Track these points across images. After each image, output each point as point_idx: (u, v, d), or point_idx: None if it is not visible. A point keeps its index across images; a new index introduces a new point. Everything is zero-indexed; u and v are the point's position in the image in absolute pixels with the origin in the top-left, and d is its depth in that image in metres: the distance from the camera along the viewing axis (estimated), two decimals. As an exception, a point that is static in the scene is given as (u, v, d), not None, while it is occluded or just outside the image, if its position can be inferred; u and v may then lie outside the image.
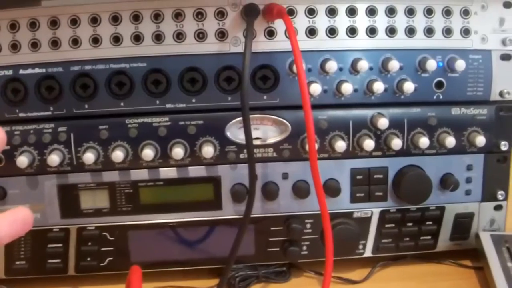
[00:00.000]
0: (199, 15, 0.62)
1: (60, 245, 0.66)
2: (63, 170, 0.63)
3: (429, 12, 0.65)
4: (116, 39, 0.61)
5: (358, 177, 0.67)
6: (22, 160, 0.61)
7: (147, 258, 0.67)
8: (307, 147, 0.62)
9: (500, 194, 0.69)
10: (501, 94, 0.67)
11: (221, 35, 0.62)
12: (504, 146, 0.68)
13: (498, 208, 0.70)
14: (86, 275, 0.67)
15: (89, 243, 0.66)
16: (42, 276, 0.66)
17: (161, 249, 0.67)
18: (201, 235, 0.67)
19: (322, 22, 0.63)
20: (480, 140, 0.66)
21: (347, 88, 0.63)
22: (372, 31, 0.64)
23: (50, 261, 0.66)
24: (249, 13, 0.61)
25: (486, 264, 0.64)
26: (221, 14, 0.62)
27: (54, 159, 0.61)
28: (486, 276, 0.64)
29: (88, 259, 0.66)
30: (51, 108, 0.62)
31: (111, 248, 0.66)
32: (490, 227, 0.70)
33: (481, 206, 0.70)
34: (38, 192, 0.64)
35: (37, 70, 0.61)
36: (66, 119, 0.62)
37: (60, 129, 0.62)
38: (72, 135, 0.62)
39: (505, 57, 0.67)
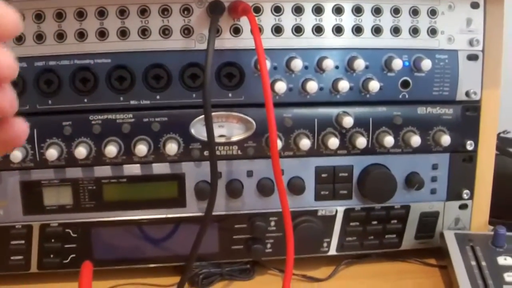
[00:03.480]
0: (165, 11, 0.66)
1: (22, 242, 0.70)
2: (26, 166, 0.68)
3: (396, 11, 0.70)
4: (81, 35, 0.66)
5: (323, 175, 0.72)
6: None
7: (110, 256, 0.72)
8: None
9: (465, 193, 0.75)
10: (467, 94, 0.72)
11: (187, 31, 0.67)
12: (470, 145, 0.73)
13: (463, 207, 0.76)
14: (48, 272, 0.71)
15: (52, 240, 0.70)
16: (4, 273, 0.71)
17: (125, 246, 0.72)
18: (165, 233, 0.72)
19: (288, 20, 0.68)
20: (446, 140, 0.71)
21: (312, 87, 0.68)
22: (338, 30, 0.69)
23: (12, 258, 0.70)
24: (214, 10, 0.66)
25: (450, 263, 0.69)
26: (187, 10, 0.67)
27: (16, 155, 0.65)
28: (450, 273, 0.69)
29: (51, 256, 0.71)
30: (14, 104, 0.66)
31: (74, 245, 0.71)
32: (455, 226, 0.76)
33: (446, 205, 0.76)
34: (0, 188, 0.68)
35: None
36: (29, 115, 0.66)
37: (23, 125, 0.67)
38: (35, 131, 0.66)
39: (471, 57, 0.72)
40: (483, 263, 0.67)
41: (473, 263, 0.68)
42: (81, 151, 0.66)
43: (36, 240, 0.70)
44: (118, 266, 0.72)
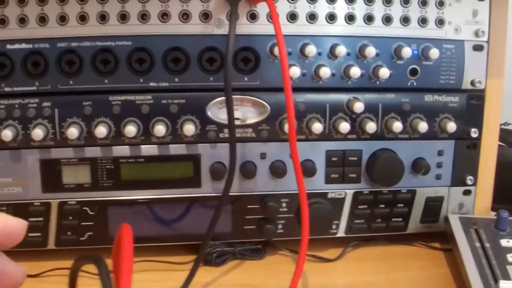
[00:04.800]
0: (184, -4, 0.71)
1: (41, 219, 0.74)
2: (46, 145, 0.72)
3: (405, 2, 0.74)
4: (103, 17, 0.70)
5: (333, 159, 0.77)
6: (6, 134, 0.69)
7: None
8: (285, 128, 0.72)
9: (469, 179, 0.80)
10: (472, 83, 0.77)
11: (205, 16, 0.71)
12: (474, 133, 0.78)
13: (467, 193, 0.81)
14: (65, 249, 0.75)
15: (70, 218, 0.74)
16: (21, 249, 0.75)
17: (140, 225, 0.76)
18: (179, 212, 0.76)
19: (302, 7, 0.73)
20: (451, 127, 0.76)
21: (325, 72, 0.73)
22: (350, 18, 0.74)
23: (30, 234, 0.74)
24: (233, -4, 0.70)
25: (455, 244, 0.74)
26: (205, -4, 0.71)
27: (38, 133, 0.69)
28: (455, 257, 0.74)
29: (69, 233, 0.75)
30: (37, 83, 0.70)
31: (91, 223, 0.75)
32: (459, 211, 0.81)
33: (450, 191, 0.80)
34: (20, 166, 0.72)
35: (24, 46, 0.69)
36: (51, 95, 0.71)
37: (45, 104, 0.70)
38: (56, 110, 0.71)
39: (477, 48, 0.77)
40: (487, 245, 0.72)
41: (477, 244, 0.72)
42: (101, 130, 0.70)
43: (54, 217, 0.74)
44: (133, 244, 0.76)
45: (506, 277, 0.65)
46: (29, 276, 0.71)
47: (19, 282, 0.38)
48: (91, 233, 0.75)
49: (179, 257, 0.76)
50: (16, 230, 0.38)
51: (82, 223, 0.75)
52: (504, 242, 0.72)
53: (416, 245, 0.81)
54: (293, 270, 0.67)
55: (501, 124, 0.89)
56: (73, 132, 0.70)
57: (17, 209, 0.73)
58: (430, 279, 0.74)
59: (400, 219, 0.80)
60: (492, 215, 0.80)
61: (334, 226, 0.79)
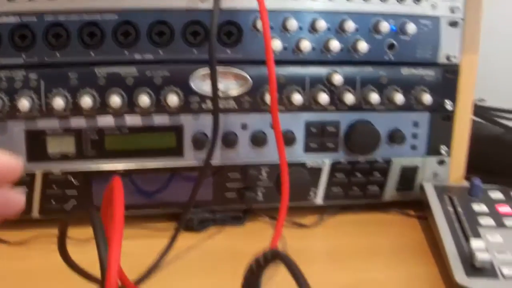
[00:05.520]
0: (170, -30, 0.77)
1: (25, 188, 0.80)
2: (32, 116, 0.78)
3: (384, -22, 0.82)
4: (89, -9, 0.76)
5: (312, 129, 0.85)
6: None
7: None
8: (266, 99, 0.80)
9: (443, 150, 0.89)
10: (447, 57, 0.85)
11: (190, -9, 0.78)
12: (449, 105, 0.87)
13: (441, 163, 0.89)
14: (49, 219, 0.81)
15: (54, 187, 0.81)
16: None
17: (124, 194, 0.83)
18: (162, 181, 0.84)
19: (285, -17, 0.80)
20: (427, 99, 0.84)
21: (305, 45, 0.80)
22: (331, -6, 0.82)
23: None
24: (217, -29, 0.77)
25: (430, 211, 0.82)
26: (190, -30, 0.78)
27: (24, 104, 0.75)
28: (430, 223, 0.82)
29: (53, 202, 0.82)
30: (24, 56, 0.76)
31: (75, 192, 0.82)
32: (433, 180, 0.90)
33: (425, 160, 0.89)
34: (6, 137, 0.78)
35: (12, 19, 0.75)
36: (37, 67, 0.76)
37: (31, 76, 0.76)
38: (42, 82, 0.76)
39: (452, 24, 0.85)
40: (460, 210, 0.81)
41: (451, 209, 0.81)
42: (86, 101, 0.76)
43: (38, 186, 0.80)
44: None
45: (476, 235, 0.74)
46: (15, 244, 0.79)
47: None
48: (75, 202, 0.82)
49: (160, 224, 0.84)
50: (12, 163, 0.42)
51: (66, 192, 0.81)
52: (476, 207, 0.81)
53: (391, 213, 0.90)
54: (272, 231, 0.76)
55: (476, 100, 0.99)
56: (59, 103, 0.76)
57: (2, 178, 0.80)
58: (406, 244, 0.82)
59: (376, 187, 0.89)
60: (466, 184, 0.89)
61: (312, 194, 0.87)
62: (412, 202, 0.91)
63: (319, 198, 0.88)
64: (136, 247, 0.77)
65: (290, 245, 0.81)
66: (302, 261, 0.76)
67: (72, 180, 0.81)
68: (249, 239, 0.83)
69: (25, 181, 0.80)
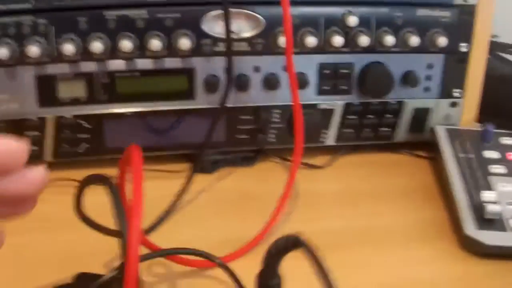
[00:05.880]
0: None
1: (37, 133, 0.80)
2: (42, 61, 0.76)
3: None
4: None
5: (325, 71, 0.84)
6: (3, 52, 0.73)
7: (122, 144, 0.83)
8: (279, 42, 0.79)
9: (457, 92, 0.88)
10: (464, -1, 0.84)
11: None
12: (464, 47, 0.86)
13: (454, 105, 0.89)
14: (63, 161, 0.82)
15: (66, 131, 0.81)
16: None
17: (136, 136, 0.83)
18: (174, 123, 0.83)
19: None
20: (442, 41, 0.83)
21: (320, -16, 0.79)
22: None
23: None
24: None
25: (440, 154, 0.83)
26: None
27: (33, 50, 0.73)
28: (440, 166, 0.83)
29: (65, 146, 0.82)
30: (32, 1, 0.74)
31: (88, 136, 0.82)
32: (445, 122, 0.90)
33: (438, 103, 0.89)
34: (16, 84, 0.77)
35: (18, -38, 0.73)
36: (46, 11, 0.75)
37: (40, 21, 0.74)
38: (51, 27, 0.75)
39: (469, -37, 0.83)
40: (471, 155, 0.81)
41: (462, 155, 0.82)
42: (96, 46, 0.75)
43: (50, 131, 0.80)
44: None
45: (487, 187, 0.75)
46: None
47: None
48: (87, 145, 0.82)
49: (173, 165, 0.85)
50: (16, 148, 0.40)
51: (79, 136, 0.82)
52: (487, 153, 0.82)
53: (402, 154, 0.91)
54: (284, 177, 0.76)
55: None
56: (69, 48, 0.74)
57: (14, 124, 0.79)
58: (416, 187, 0.83)
59: (388, 128, 0.89)
60: (478, 127, 0.89)
61: (323, 135, 0.88)
62: (423, 144, 0.91)
63: (330, 139, 0.88)
64: (150, 189, 0.78)
65: (301, 187, 0.81)
66: (313, 203, 0.79)
67: (84, 124, 0.81)
68: (261, 179, 0.84)
69: (37, 125, 0.80)
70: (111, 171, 0.55)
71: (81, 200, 0.53)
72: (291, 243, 0.43)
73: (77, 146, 0.82)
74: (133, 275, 0.39)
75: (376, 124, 0.89)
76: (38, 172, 0.41)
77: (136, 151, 0.45)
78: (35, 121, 0.80)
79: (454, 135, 0.86)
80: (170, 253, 0.62)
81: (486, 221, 0.69)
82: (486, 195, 0.72)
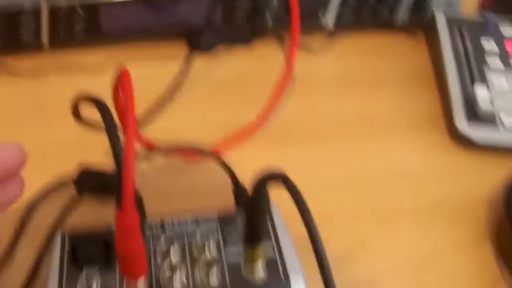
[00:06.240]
0: None
1: (32, 20, 0.79)
2: None
3: None
4: None
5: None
6: None
7: (119, 29, 0.83)
8: None
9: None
10: None
11: None
12: None
13: (457, -10, 0.87)
14: (59, 48, 0.82)
15: (61, 18, 0.80)
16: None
17: (131, 19, 0.82)
18: (170, 4, 0.82)
19: None
20: None
21: None
22: None
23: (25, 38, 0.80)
24: None
25: (439, 44, 0.81)
26: None
27: None
28: (437, 53, 0.82)
29: (61, 31, 0.81)
30: None
31: (83, 21, 0.81)
32: (447, 8, 0.87)
33: (441, -15, 0.86)
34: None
35: None
36: None
37: None
38: None
39: None
40: (469, 46, 0.80)
41: (460, 46, 0.81)
42: None
43: (45, 18, 0.79)
44: (127, 39, 0.84)
45: (482, 79, 0.75)
46: (27, 72, 0.81)
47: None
48: (83, 31, 0.82)
49: (170, 46, 0.85)
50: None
51: (74, 22, 0.81)
52: (485, 44, 0.81)
53: (401, 37, 0.89)
54: (280, 56, 0.77)
55: None
56: None
57: (10, 16, 0.78)
58: (412, 73, 0.83)
59: (388, 11, 0.88)
60: (479, 17, 0.87)
61: (322, 16, 0.86)
62: (422, 28, 0.90)
63: (329, 21, 0.87)
64: (145, 69, 0.80)
65: (298, 71, 0.79)
66: (310, 88, 0.79)
67: (79, 10, 0.80)
68: (258, 59, 0.85)
69: (32, 13, 0.79)
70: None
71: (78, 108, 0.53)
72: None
73: (73, 31, 0.81)
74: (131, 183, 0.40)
75: (375, 5, 0.87)
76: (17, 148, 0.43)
77: (127, 76, 0.45)
78: (29, 11, 0.78)
79: (454, 23, 0.84)
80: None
81: (479, 117, 0.69)
82: (480, 90, 0.72)
